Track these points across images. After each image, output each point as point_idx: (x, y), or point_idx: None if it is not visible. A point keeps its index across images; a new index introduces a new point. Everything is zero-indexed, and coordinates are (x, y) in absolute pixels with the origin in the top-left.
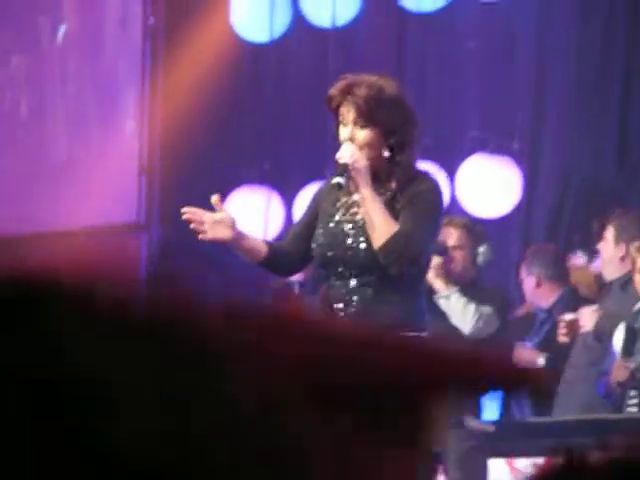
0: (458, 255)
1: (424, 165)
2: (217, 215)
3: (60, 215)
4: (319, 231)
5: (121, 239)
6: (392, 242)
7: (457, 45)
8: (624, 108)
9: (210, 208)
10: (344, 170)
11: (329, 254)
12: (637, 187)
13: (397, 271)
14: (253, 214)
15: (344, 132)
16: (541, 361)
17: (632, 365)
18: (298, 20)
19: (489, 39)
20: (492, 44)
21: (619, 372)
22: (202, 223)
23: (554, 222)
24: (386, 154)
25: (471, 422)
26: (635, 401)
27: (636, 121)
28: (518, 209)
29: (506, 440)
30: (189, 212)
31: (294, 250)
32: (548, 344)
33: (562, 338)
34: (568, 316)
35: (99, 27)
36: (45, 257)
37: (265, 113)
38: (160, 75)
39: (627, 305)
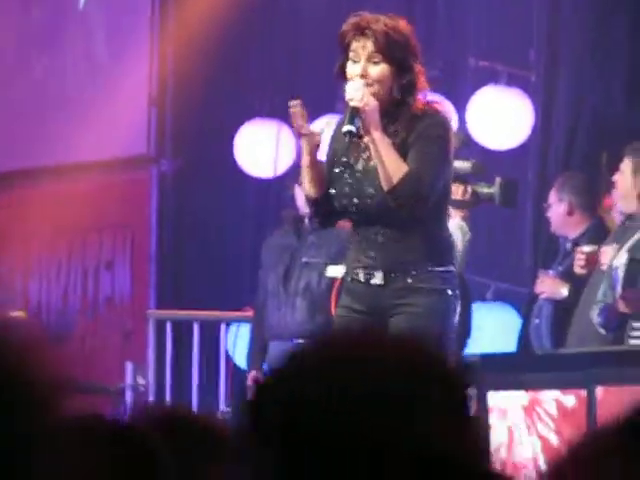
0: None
1: (433, 96)
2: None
3: (71, 148)
4: (336, 180)
5: (132, 172)
6: (402, 184)
7: None
8: (634, 42)
9: (219, 142)
10: (354, 114)
11: (350, 205)
12: None
13: (408, 212)
14: (264, 147)
15: (355, 68)
16: (564, 291)
17: (637, 295)
18: None
19: None
20: None
21: (623, 304)
22: (304, 120)
23: (566, 154)
24: (397, 94)
25: None
26: (638, 333)
27: None
28: (530, 141)
29: (521, 371)
30: (297, 108)
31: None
32: (572, 274)
33: (578, 269)
34: (587, 248)
35: None
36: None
37: (278, 45)
38: (171, 5)
39: None
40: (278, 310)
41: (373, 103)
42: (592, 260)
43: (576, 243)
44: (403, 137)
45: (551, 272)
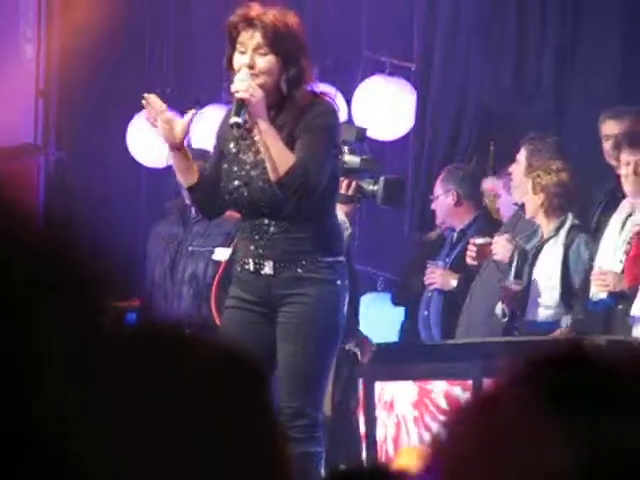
0: None
1: (322, 88)
2: (178, 119)
3: None
4: (225, 175)
5: (18, 161)
6: (289, 175)
7: None
8: (521, 32)
9: (106, 134)
10: (241, 106)
11: (236, 195)
12: (533, 113)
13: (296, 203)
14: (156, 137)
15: (242, 59)
16: (454, 283)
17: (517, 287)
18: None
19: None
20: None
21: (505, 294)
22: (159, 113)
23: (450, 145)
24: (284, 87)
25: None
26: (516, 324)
27: (532, 43)
28: (414, 131)
29: (410, 362)
30: (151, 98)
31: (218, 187)
32: (460, 265)
33: (470, 261)
34: (479, 240)
35: None
36: None
37: (166, 37)
38: None
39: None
40: (165, 300)
41: (259, 94)
42: (484, 251)
43: (463, 234)
44: (290, 128)
45: (440, 263)
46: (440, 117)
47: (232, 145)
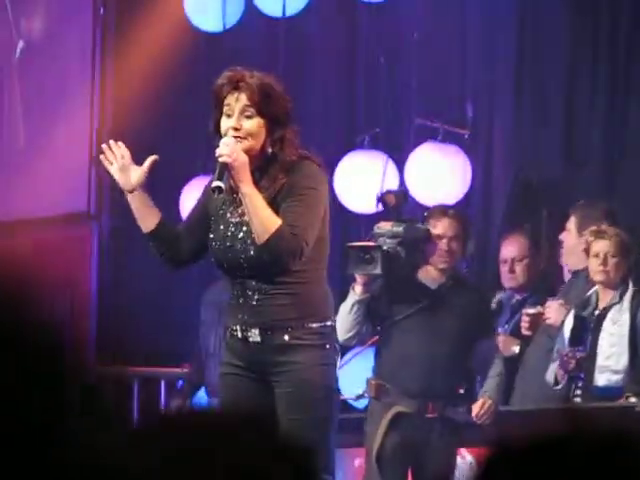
0: (455, 246)
1: (373, 155)
2: (136, 166)
3: (10, 205)
4: (211, 236)
5: (72, 229)
6: (274, 239)
7: (407, 35)
8: (569, 103)
9: (158, 201)
10: (223, 170)
11: (224, 260)
12: (582, 182)
13: (282, 267)
14: None
15: (229, 122)
16: (516, 349)
17: (579, 354)
18: (251, 9)
19: (439, 29)
20: (442, 34)
21: (566, 361)
22: (117, 158)
23: (505, 212)
24: (269, 150)
25: (452, 413)
26: (579, 392)
27: (581, 117)
28: (467, 198)
29: (473, 429)
30: (113, 145)
31: (186, 240)
32: (520, 332)
33: (525, 331)
34: (531, 310)
35: (49, 16)
36: None
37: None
38: (110, 66)
39: None
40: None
41: (243, 158)
42: (537, 320)
43: (524, 300)
44: (275, 191)
45: (500, 330)
46: (493, 183)
47: (218, 207)
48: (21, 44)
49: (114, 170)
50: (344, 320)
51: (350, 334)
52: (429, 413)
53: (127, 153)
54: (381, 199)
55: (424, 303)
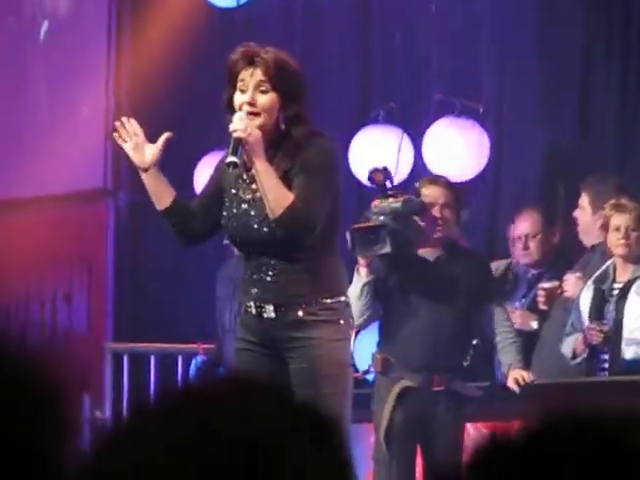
0: (448, 214)
1: (388, 130)
2: (150, 144)
3: (26, 182)
4: (224, 213)
5: (88, 205)
6: (287, 214)
7: (422, 8)
8: (586, 77)
9: (178, 177)
10: (237, 145)
11: (237, 237)
12: (599, 155)
13: (295, 242)
14: None
15: (243, 97)
16: (534, 324)
17: (605, 328)
18: None
19: (454, 4)
20: (458, 9)
21: (590, 335)
22: (131, 136)
23: (521, 187)
24: (282, 126)
25: (459, 387)
26: (605, 365)
27: (597, 85)
28: (485, 172)
29: (487, 404)
30: (127, 123)
31: (199, 216)
32: (537, 307)
33: (542, 306)
34: (547, 284)
35: (71, 8)
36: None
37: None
38: (126, 41)
39: None
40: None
41: (256, 133)
42: (553, 295)
43: (540, 275)
44: (287, 167)
45: (517, 304)
46: (509, 158)
47: (231, 183)
48: (45, 25)
49: (128, 148)
50: (355, 305)
51: (363, 317)
52: (435, 386)
53: (140, 131)
54: (370, 177)
55: (422, 276)
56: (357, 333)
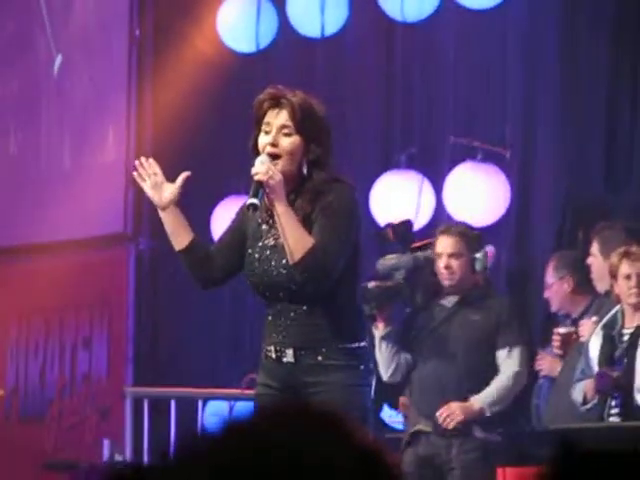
0: (455, 263)
1: (408, 175)
2: (169, 183)
3: (47, 227)
4: (246, 259)
5: (109, 250)
6: (308, 258)
7: (444, 54)
8: (610, 120)
9: (195, 220)
10: (258, 188)
11: (258, 282)
12: (622, 200)
13: (314, 287)
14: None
15: (266, 138)
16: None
17: (615, 374)
18: (285, 30)
19: (477, 47)
20: (480, 52)
21: (603, 381)
22: (150, 175)
23: (543, 231)
24: (305, 170)
25: (477, 432)
26: (616, 410)
27: (621, 133)
28: (506, 218)
29: (513, 448)
30: (146, 162)
31: (218, 259)
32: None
33: (556, 350)
34: (562, 329)
35: (87, 32)
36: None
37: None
38: (147, 86)
39: None
40: None
41: (278, 177)
42: (569, 340)
43: (575, 321)
44: (307, 211)
45: (549, 350)
46: (534, 203)
47: (253, 230)
48: (59, 59)
49: (147, 187)
50: (379, 361)
51: (391, 370)
52: (445, 431)
53: (159, 170)
54: (381, 234)
55: (434, 324)
56: (391, 385)
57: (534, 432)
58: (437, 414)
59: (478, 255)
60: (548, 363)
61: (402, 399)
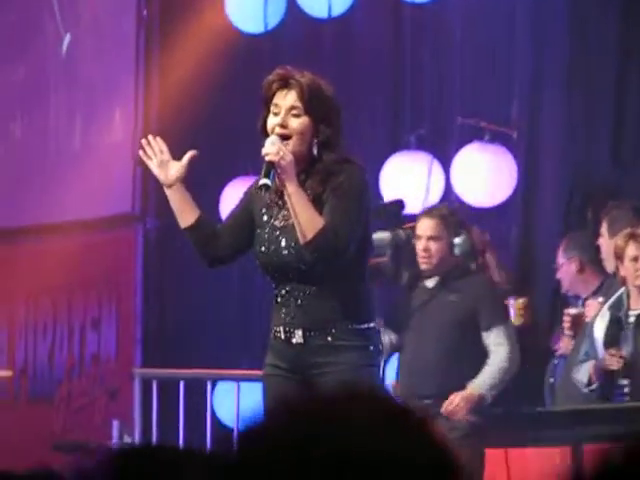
0: (432, 246)
1: (418, 156)
2: (175, 162)
3: (54, 207)
4: (256, 239)
5: (116, 230)
6: (318, 238)
7: (452, 34)
8: (618, 99)
9: (205, 201)
10: (269, 169)
11: (268, 263)
12: (630, 179)
13: (325, 267)
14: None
15: (275, 119)
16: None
17: (624, 353)
18: (293, 10)
19: (484, 27)
20: (487, 32)
21: (611, 360)
22: (156, 153)
23: (551, 211)
24: (315, 151)
25: (470, 417)
26: (625, 390)
27: (630, 112)
28: (514, 197)
29: (503, 430)
30: (152, 141)
31: (224, 238)
32: None
33: (567, 332)
34: (572, 310)
35: (95, 11)
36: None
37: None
38: (154, 67)
39: None
40: None
41: (289, 157)
42: (579, 321)
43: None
44: (318, 192)
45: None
46: (542, 183)
47: (262, 210)
48: (67, 38)
49: (153, 165)
50: None
51: None
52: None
53: (165, 148)
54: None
55: (417, 305)
56: None
57: (540, 413)
58: (442, 410)
59: (457, 240)
60: (564, 342)
61: (392, 382)
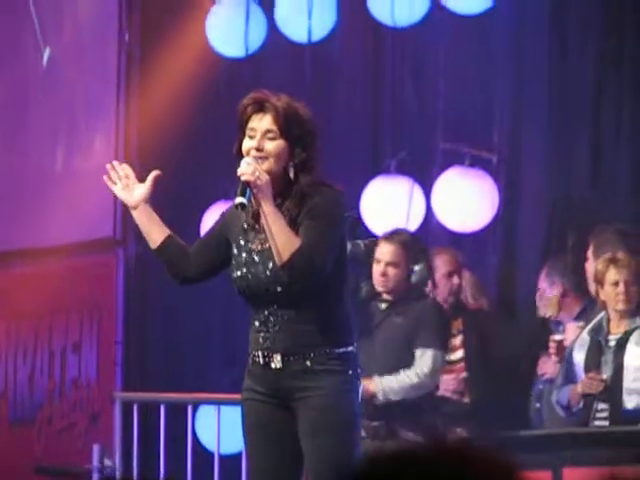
0: (390, 271)
1: (399, 180)
2: (140, 184)
3: (35, 232)
4: (233, 262)
5: (97, 255)
6: (295, 258)
7: (433, 59)
8: (596, 125)
9: (181, 224)
10: (245, 188)
11: (245, 286)
12: (610, 203)
13: (301, 288)
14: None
15: (251, 143)
16: None
17: (604, 377)
18: (273, 35)
19: (464, 54)
20: (467, 58)
21: (591, 384)
22: (121, 178)
23: (532, 236)
24: (291, 174)
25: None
26: (604, 414)
27: (608, 137)
28: (495, 222)
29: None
30: (117, 166)
31: (196, 258)
32: None
33: (552, 357)
34: (558, 336)
35: (74, 42)
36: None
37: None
38: (135, 91)
39: None
40: None
41: (265, 177)
42: (564, 346)
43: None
44: (294, 214)
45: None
46: (523, 207)
47: (239, 234)
48: (48, 51)
49: (117, 189)
50: None
51: None
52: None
53: (131, 173)
54: None
55: (368, 325)
56: None
57: (519, 436)
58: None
59: (417, 267)
60: (549, 367)
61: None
